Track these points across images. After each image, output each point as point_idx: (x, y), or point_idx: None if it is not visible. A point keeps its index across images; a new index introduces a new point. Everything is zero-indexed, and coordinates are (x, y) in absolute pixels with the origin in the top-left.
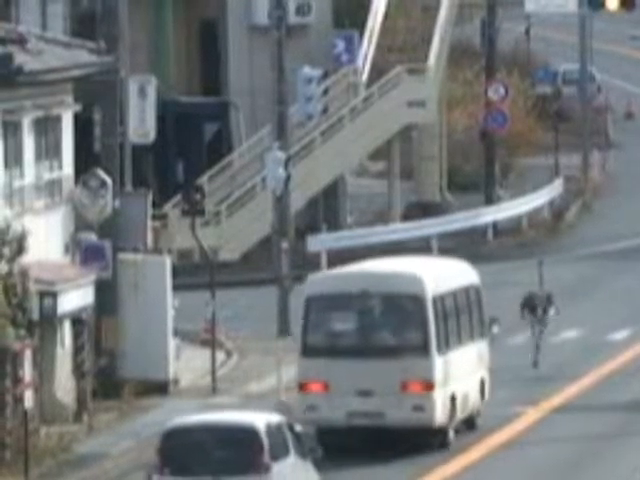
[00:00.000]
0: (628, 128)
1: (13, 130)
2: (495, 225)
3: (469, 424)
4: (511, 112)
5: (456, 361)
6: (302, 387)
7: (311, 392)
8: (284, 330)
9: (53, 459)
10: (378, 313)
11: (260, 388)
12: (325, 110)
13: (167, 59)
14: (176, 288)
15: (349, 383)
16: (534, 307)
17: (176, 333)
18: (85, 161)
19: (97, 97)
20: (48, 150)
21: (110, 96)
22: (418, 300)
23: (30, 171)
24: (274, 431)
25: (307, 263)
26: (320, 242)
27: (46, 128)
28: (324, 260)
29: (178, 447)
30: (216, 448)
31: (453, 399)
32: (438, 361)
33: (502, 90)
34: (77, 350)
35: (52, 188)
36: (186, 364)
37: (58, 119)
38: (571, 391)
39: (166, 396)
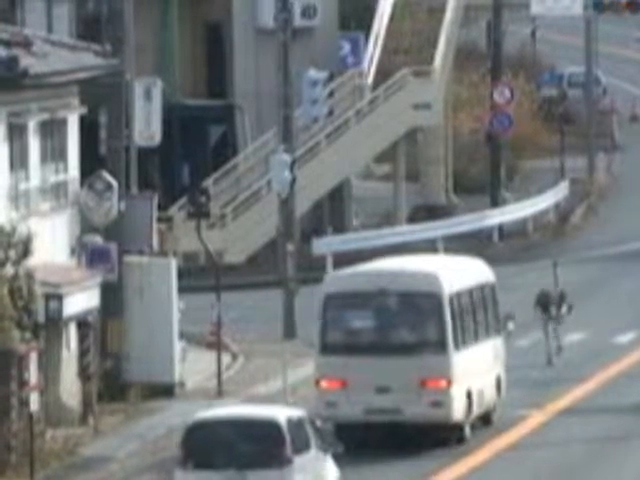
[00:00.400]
0: (633, 130)
1: (19, 133)
2: (501, 227)
3: (485, 420)
4: (517, 115)
5: (472, 358)
6: (320, 384)
7: (329, 389)
8: (290, 332)
9: (59, 462)
10: (395, 311)
11: (266, 390)
12: (331, 113)
13: (173, 62)
14: (182, 291)
15: (367, 380)
16: (547, 305)
17: (182, 336)
18: (91, 164)
19: (103, 100)
20: (54, 153)
21: (116, 99)
22: (435, 298)
23: (36, 174)
24: (295, 425)
25: (313, 266)
26: (325, 245)
27: (52, 131)
28: (330, 263)
29: (201, 441)
30: (238, 442)
31: (469, 395)
32: (455, 358)
33: (508, 93)
34: (83, 353)
35: (58, 191)
36: (192, 366)
37: (64, 122)
38: (576, 394)
39: (172, 399)
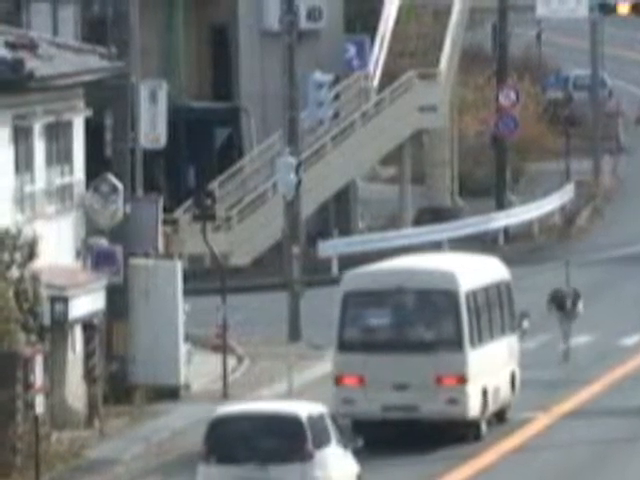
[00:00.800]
0: (639, 133)
1: (24, 135)
2: (506, 230)
3: (500, 417)
4: (522, 117)
5: (488, 355)
6: (338, 381)
7: (347, 386)
8: (295, 335)
9: (64, 464)
10: (413, 308)
11: (271, 393)
12: (336, 115)
13: (178, 64)
14: (187, 293)
15: (384, 377)
16: (563, 301)
17: (187, 338)
18: (96, 166)
19: (108, 102)
20: (59, 155)
21: (121, 101)
22: (452, 296)
23: (41, 176)
24: (316, 420)
25: (318, 268)
26: (331, 247)
27: (57, 133)
28: (335, 265)
29: (223, 436)
30: (260, 437)
31: (485, 392)
32: (471, 355)
33: (513, 95)
34: (88, 355)
35: (63, 193)
36: (197, 369)
37: (69, 124)
38: (582, 396)
39: (177, 401)
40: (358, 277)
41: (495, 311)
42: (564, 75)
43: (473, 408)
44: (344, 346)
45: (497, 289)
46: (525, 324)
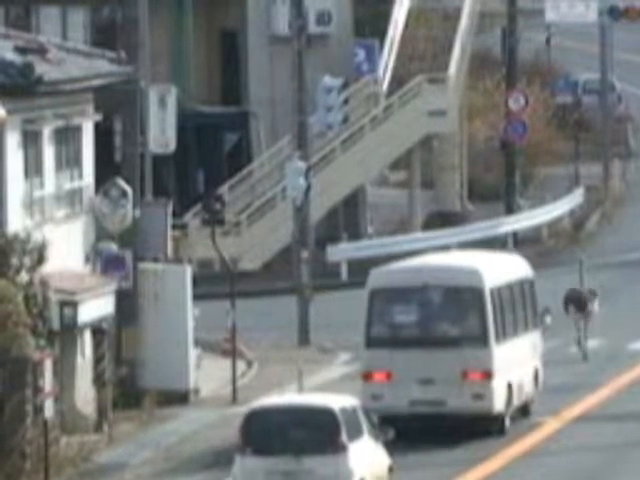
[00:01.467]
0: None
1: (33, 140)
2: (515, 234)
3: (524, 411)
4: (531, 122)
5: (512, 351)
6: (366, 377)
7: (375, 381)
8: (304, 339)
9: (73, 469)
10: (439, 305)
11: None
12: (345, 120)
13: (188, 69)
14: (196, 298)
15: (411, 372)
16: (580, 301)
17: (197, 343)
18: (105, 171)
19: (117, 107)
20: (68, 160)
21: (130, 106)
22: (477, 292)
23: (50, 181)
24: (349, 413)
25: (327, 273)
26: (340, 252)
27: (66, 138)
28: (344, 270)
29: (259, 428)
30: (295, 429)
31: (510, 387)
32: (496, 351)
33: (522, 100)
34: (97, 360)
35: (72, 198)
36: (206, 374)
37: (78, 129)
38: (591, 401)
39: (186, 406)
40: (385, 274)
41: (518, 308)
42: (573, 79)
43: (498, 403)
44: (372, 342)
45: (520, 286)
46: (548, 320)
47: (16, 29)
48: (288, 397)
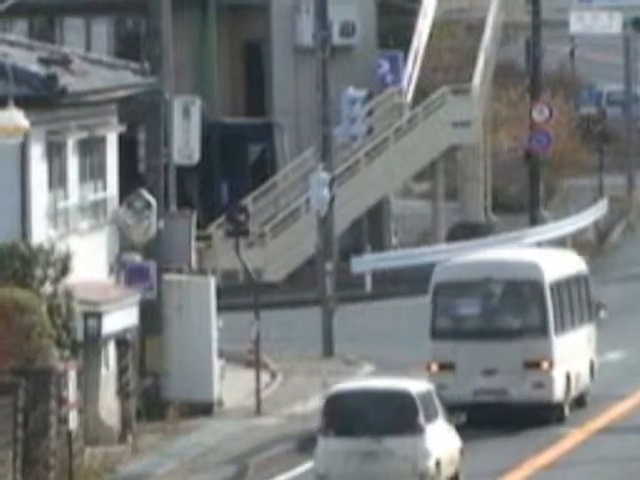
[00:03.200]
0: None
1: (58, 151)
2: (539, 246)
3: (580, 402)
4: (555, 133)
5: (570, 342)
6: (431, 367)
7: (439, 372)
8: (328, 350)
9: None
10: (501, 298)
11: (305, 409)
12: (370, 131)
13: (212, 80)
14: (220, 309)
15: (475, 363)
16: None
17: (221, 354)
18: (129, 182)
19: (141, 118)
20: (92, 171)
21: (154, 117)
22: (537, 286)
23: (74, 192)
24: (425, 396)
25: (351, 284)
26: (364, 263)
27: (90, 149)
28: (369, 281)
29: (341, 410)
30: (375, 411)
31: (568, 377)
32: (556, 342)
33: (547, 111)
34: (121, 371)
35: (96, 209)
36: (230, 385)
37: (102, 140)
38: (615, 412)
39: (210, 417)
40: (449, 269)
41: (575, 301)
42: (597, 91)
43: (558, 392)
44: (436, 334)
45: (577, 281)
46: (602, 314)
47: (40, 40)
48: (368, 381)
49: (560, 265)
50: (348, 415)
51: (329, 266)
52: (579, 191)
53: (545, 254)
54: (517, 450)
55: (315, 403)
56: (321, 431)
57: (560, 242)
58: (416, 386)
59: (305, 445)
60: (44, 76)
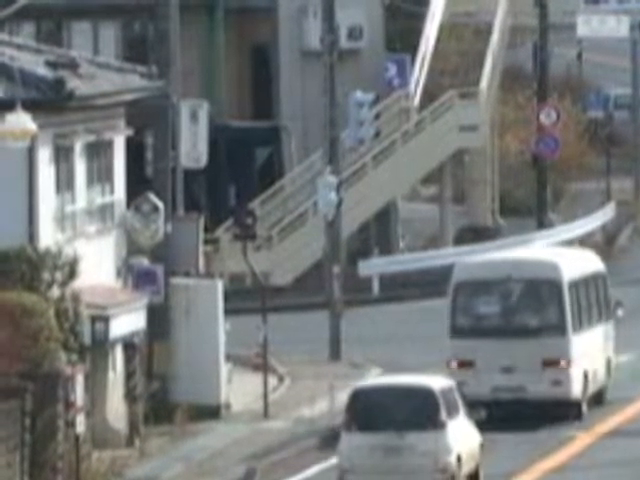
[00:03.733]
0: None
1: (65, 154)
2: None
3: (597, 399)
4: (563, 136)
5: (588, 341)
6: (450, 365)
7: (459, 369)
8: (336, 354)
9: None
10: (520, 296)
11: (312, 413)
12: (377, 134)
13: (219, 84)
14: (228, 312)
15: (494, 361)
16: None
17: (228, 357)
18: (137, 185)
19: (149, 121)
20: (100, 174)
21: (162, 120)
22: (556, 285)
23: (82, 196)
24: (447, 393)
25: (359, 287)
26: (372, 267)
27: (98, 152)
28: (376, 285)
29: (364, 406)
30: (398, 407)
31: (586, 375)
32: (574, 340)
33: (554, 114)
34: (129, 375)
35: (104, 213)
36: (238, 388)
37: (110, 143)
38: (624, 415)
39: (218, 420)
40: (468, 268)
41: (593, 300)
42: (605, 94)
43: (576, 389)
44: (456, 332)
45: (594, 280)
46: (620, 313)
47: (47, 44)
48: (391, 377)
49: (579, 264)
50: (371, 411)
51: (336, 269)
52: (586, 195)
53: (565, 254)
54: (529, 452)
55: (322, 407)
56: (345, 426)
57: (568, 245)
58: (438, 382)
59: (326, 442)
60: (52, 80)
